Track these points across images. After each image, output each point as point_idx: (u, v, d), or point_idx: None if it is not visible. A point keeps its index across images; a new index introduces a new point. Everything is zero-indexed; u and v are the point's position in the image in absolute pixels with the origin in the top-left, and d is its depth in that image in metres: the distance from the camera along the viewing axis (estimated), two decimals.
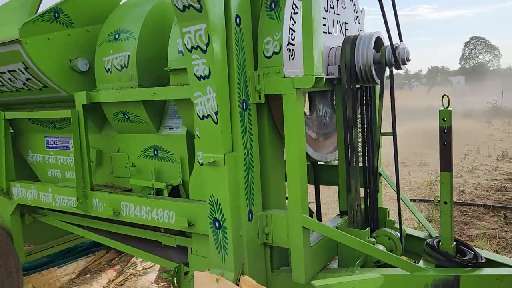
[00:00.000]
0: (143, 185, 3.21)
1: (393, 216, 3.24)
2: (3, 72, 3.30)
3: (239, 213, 2.34)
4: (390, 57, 2.59)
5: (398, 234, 2.90)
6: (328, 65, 2.80)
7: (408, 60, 2.62)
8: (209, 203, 2.37)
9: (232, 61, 2.24)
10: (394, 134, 2.76)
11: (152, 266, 4.73)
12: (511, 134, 15.84)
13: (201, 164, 2.77)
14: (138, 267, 4.72)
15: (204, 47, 2.14)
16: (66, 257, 5.06)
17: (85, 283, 4.37)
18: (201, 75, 2.21)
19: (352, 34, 2.74)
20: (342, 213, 3.00)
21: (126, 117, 3.17)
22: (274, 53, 2.33)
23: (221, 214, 2.32)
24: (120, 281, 4.41)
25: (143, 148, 3.23)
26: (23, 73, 3.17)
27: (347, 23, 3.01)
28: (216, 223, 2.35)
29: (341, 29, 2.93)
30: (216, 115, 2.22)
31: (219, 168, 2.27)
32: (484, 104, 23.97)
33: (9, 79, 3.32)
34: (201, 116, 2.28)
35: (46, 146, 3.92)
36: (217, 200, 2.32)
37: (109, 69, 3.12)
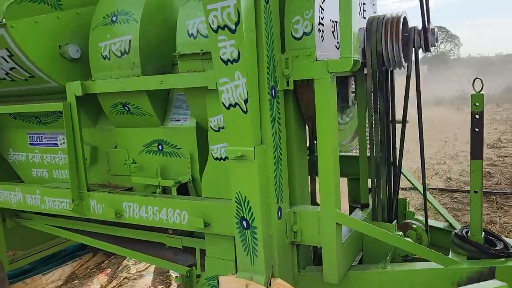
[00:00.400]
0: (147, 183, 2.94)
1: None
2: None
3: (269, 211, 2.13)
4: (419, 38, 2.43)
5: (422, 225, 2.77)
6: None
7: (437, 41, 2.47)
8: (235, 201, 2.14)
9: (262, 42, 2.01)
10: (419, 122, 2.61)
11: (146, 268, 4.45)
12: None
13: (216, 159, 2.55)
14: (132, 270, 4.43)
15: (233, 27, 1.90)
16: (50, 263, 4.70)
17: None
18: (228, 59, 1.97)
19: (373, 15, 2.56)
20: (362, 206, 2.83)
21: (126, 109, 2.88)
22: (305, 33, 2.11)
23: (250, 213, 2.10)
24: (114, 286, 4.12)
25: (145, 142, 2.96)
26: (7, 62, 2.82)
27: (365, 4, 2.82)
28: (244, 222, 2.13)
29: (360, 9, 2.75)
30: (245, 104, 2.00)
31: (248, 162, 2.04)
32: (451, 92, 24.53)
33: None
34: (227, 104, 2.05)
35: (30, 144, 3.56)
36: (245, 197, 2.10)
37: (106, 55, 2.81)
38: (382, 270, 2.29)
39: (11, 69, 2.88)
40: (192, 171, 2.80)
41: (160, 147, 2.90)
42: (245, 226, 2.12)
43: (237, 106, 2.02)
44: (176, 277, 2.87)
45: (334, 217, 2.15)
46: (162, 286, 4.08)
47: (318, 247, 2.61)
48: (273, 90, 2.10)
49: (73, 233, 3.45)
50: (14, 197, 3.40)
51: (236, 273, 2.51)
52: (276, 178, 2.15)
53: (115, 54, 2.78)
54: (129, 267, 4.49)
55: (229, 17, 1.89)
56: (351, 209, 3.57)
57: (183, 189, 2.87)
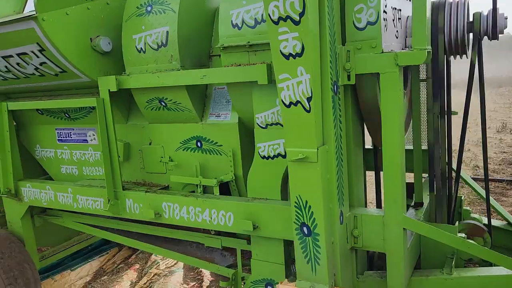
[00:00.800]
0: (186, 182, 2.80)
1: None
2: (10, 56, 2.78)
3: (332, 216, 1.98)
4: (486, 25, 2.23)
5: (483, 225, 2.62)
6: (406, 37, 2.43)
7: (505, 28, 2.27)
8: (295, 206, 1.99)
9: (325, 34, 1.83)
10: (482, 112, 2.43)
11: (175, 264, 4.35)
12: (502, 104, 15.87)
13: (263, 158, 2.40)
14: (161, 265, 4.33)
15: (297, 18, 1.72)
16: (77, 258, 4.62)
17: None
18: (290, 53, 1.79)
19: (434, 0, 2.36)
20: (416, 205, 2.67)
21: (163, 104, 2.72)
22: (369, 23, 1.93)
23: (312, 219, 1.95)
24: (145, 283, 4.02)
25: (183, 139, 2.81)
26: (37, 57, 2.66)
27: None
28: (305, 229, 1.98)
29: None
30: (308, 102, 1.83)
31: (310, 165, 1.89)
32: (463, 74, 23.89)
33: (18, 63, 2.80)
34: (287, 103, 1.88)
35: (58, 140, 3.43)
36: (306, 202, 1.95)
37: (141, 48, 2.65)
38: (448, 276, 2.15)
39: (41, 64, 2.72)
40: (235, 170, 2.66)
41: (199, 144, 2.75)
42: (306, 232, 1.98)
43: (299, 104, 1.85)
44: (221, 280, 2.74)
45: (401, 222, 2.00)
46: (194, 283, 3.98)
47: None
48: (335, 86, 1.93)
49: (106, 232, 3.33)
50: (45, 195, 3.28)
51: (286, 277, 2.39)
52: (338, 180, 2.00)
53: (151, 47, 2.61)
54: (157, 262, 4.38)
55: (292, 7, 1.71)
56: None
57: (223, 188, 2.73)
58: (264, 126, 2.37)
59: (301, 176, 1.93)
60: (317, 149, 1.87)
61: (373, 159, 2.91)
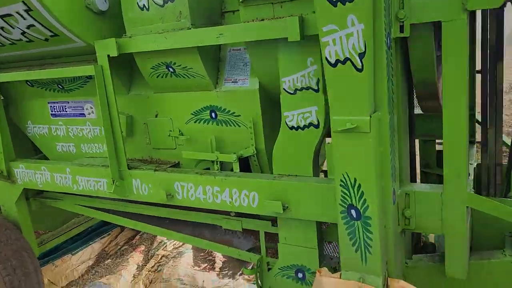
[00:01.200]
0: (200, 159, 2.48)
1: None
2: None
3: (385, 196, 1.68)
4: None
5: None
6: None
7: None
8: (340, 185, 1.68)
9: None
10: None
11: (183, 244, 4.08)
12: None
13: (292, 129, 2.08)
14: (168, 246, 4.06)
15: None
16: (77, 241, 4.33)
17: (111, 273, 3.69)
18: None
19: None
20: None
21: (171, 70, 2.37)
22: None
23: (362, 200, 1.65)
24: (153, 266, 3.76)
25: (194, 110, 2.47)
26: (24, 18, 2.28)
27: None
28: (353, 211, 1.69)
29: None
30: (360, 59, 1.49)
31: (361, 136, 1.57)
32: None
33: (2, 28, 2.42)
34: (333, 60, 1.54)
35: (52, 115, 3.07)
36: (355, 181, 1.64)
37: (144, 5, 2.27)
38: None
39: (28, 27, 2.34)
40: (256, 143, 2.34)
41: (213, 114, 2.42)
42: (355, 216, 1.68)
43: (348, 62, 1.52)
44: (244, 268, 2.46)
45: (465, 200, 1.70)
46: (205, 264, 3.72)
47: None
48: (388, 39, 1.59)
49: (111, 215, 3.03)
50: (41, 176, 2.95)
51: (320, 265, 2.12)
52: (392, 154, 1.69)
53: (155, 3, 2.24)
54: (164, 243, 4.12)
55: None
56: (423, 175, 3.15)
57: (241, 165, 2.42)
58: (292, 92, 2.03)
59: (350, 150, 1.61)
60: (370, 117, 1.54)
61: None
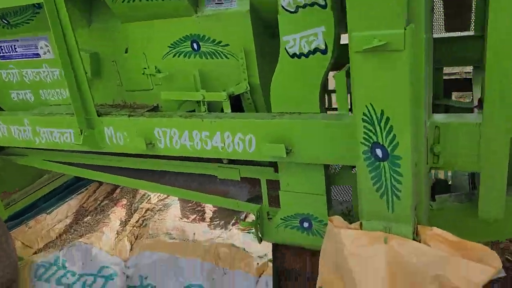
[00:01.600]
0: (183, 99, 2.12)
1: None
2: None
3: (417, 130, 1.38)
4: None
5: None
6: None
7: None
8: (363, 119, 1.36)
9: None
10: None
11: (168, 196, 3.78)
12: None
13: (294, 56, 1.72)
14: (152, 199, 3.77)
15: None
16: (51, 198, 3.98)
17: (91, 231, 3.39)
18: None
19: None
20: (480, 104, 2.10)
21: None
22: None
23: (391, 136, 1.34)
24: (137, 221, 3.47)
25: (172, 41, 2.07)
26: None
27: None
28: (378, 151, 1.38)
29: None
30: None
31: (393, 55, 1.23)
32: None
33: None
34: None
35: (0, 57, 2.61)
36: (382, 113, 1.32)
37: None
38: None
39: None
40: (249, 77, 1.98)
41: (195, 45, 2.03)
42: (381, 156, 1.38)
43: None
44: (241, 220, 2.18)
45: (508, 130, 1.41)
46: (195, 215, 3.46)
47: None
48: None
49: (86, 170, 2.67)
50: None
51: (328, 213, 1.86)
52: (425, 78, 1.36)
53: None
54: (148, 196, 3.81)
55: None
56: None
57: (233, 104, 2.07)
58: (293, 10, 1.65)
59: (376, 75, 1.28)
60: (404, 29, 1.20)
61: None
